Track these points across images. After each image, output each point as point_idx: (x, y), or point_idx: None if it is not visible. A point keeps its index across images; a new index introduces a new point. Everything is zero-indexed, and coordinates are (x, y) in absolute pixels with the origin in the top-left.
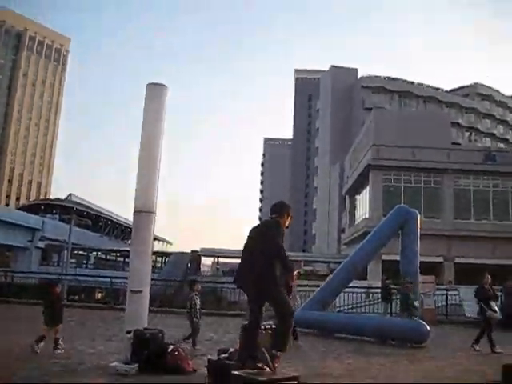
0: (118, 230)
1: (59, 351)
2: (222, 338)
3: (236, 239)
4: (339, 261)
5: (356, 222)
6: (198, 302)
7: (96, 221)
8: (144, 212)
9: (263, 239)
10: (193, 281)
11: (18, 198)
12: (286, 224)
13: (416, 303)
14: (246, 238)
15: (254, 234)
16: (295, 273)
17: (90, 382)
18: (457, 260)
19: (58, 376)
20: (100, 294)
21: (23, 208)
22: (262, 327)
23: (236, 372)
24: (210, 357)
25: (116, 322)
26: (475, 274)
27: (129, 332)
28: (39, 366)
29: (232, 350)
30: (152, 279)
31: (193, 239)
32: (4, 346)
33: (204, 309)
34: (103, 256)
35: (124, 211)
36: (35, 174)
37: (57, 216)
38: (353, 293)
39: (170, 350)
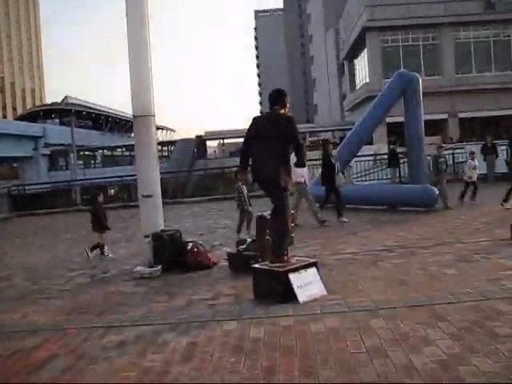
0: (119, 124)
1: (109, 255)
2: None
3: (237, 120)
4: (343, 128)
5: (357, 88)
6: (245, 190)
7: (96, 119)
8: (143, 116)
9: (279, 134)
10: (236, 171)
11: (14, 109)
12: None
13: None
14: (254, 128)
15: (267, 128)
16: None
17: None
18: (461, 115)
19: (86, 286)
20: (113, 191)
21: (21, 117)
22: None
23: (256, 265)
24: (228, 250)
25: (132, 221)
26: (480, 128)
27: (147, 236)
28: (67, 278)
29: (249, 240)
30: (161, 172)
31: (195, 125)
32: (27, 261)
33: (215, 194)
34: (109, 153)
35: (122, 106)
36: (26, 80)
37: (57, 120)
38: (360, 161)
39: (189, 247)
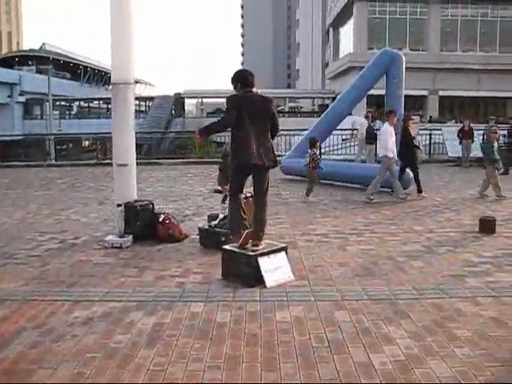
0: (97, 76)
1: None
2: (212, 192)
3: (216, 80)
4: (324, 96)
5: (340, 57)
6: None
7: (74, 70)
8: (122, 84)
9: (266, 117)
10: (312, 138)
11: None
12: None
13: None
14: (246, 108)
15: (262, 110)
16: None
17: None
18: (441, 93)
19: (56, 253)
20: (87, 142)
21: None
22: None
23: (226, 246)
24: (200, 225)
25: (106, 180)
26: (459, 108)
27: (119, 205)
28: (37, 243)
29: (221, 216)
30: (137, 132)
31: (174, 82)
32: None
33: (191, 156)
34: (86, 105)
35: (101, 58)
36: (3, 23)
37: (33, 68)
38: (337, 135)
39: (160, 219)
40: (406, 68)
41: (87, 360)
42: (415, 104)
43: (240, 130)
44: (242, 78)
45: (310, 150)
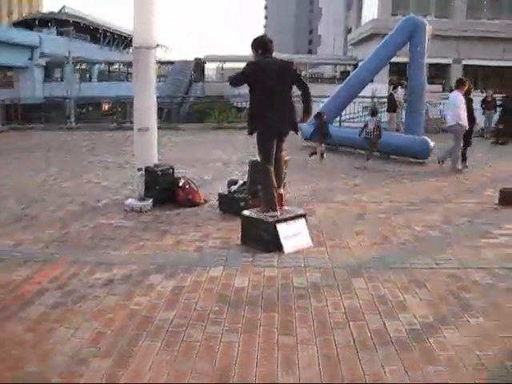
0: (117, 40)
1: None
2: (232, 157)
3: (237, 45)
4: (346, 63)
5: (363, 23)
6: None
7: (94, 32)
8: (144, 48)
9: (287, 81)
10: (374, 109)
11: (11, 13)
12: None
13: None
14: (262, 74)
15: (277, 73)
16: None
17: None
18: (465, 62)
19: (77, 215)
20: (107, 106)
21: (16, 24)
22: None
23: (246, 212)
24: (220, 191)
25: (126, 144)
26: (483, 77)
27: (140, 169)
28: (58, 205)
29: (241, 182)
30: (157, 97)
31: (194, 47)
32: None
33: (211, 121)
34: (106, 68)
35: (121, 23)
36: None
37: (53, 30)
38: (359, 102)
39: (180, 184)
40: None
41: (108, 321)
42: (439, 73)
43: (260, 95)
44: (262, 44)
45: (373, 117)
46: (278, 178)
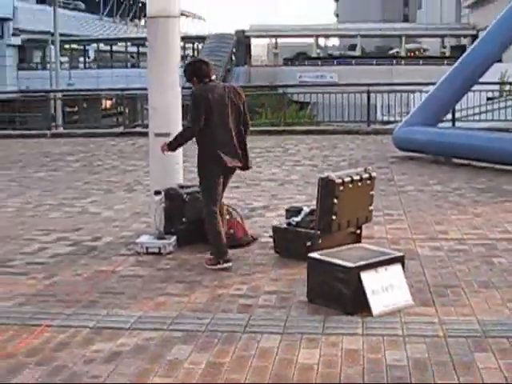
0: (124, 6)
1: None
2: (291, 175)
3: (300, 10)
4: (459, 33)
5: None
6: None
7: None
8: (163, 17)
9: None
10: None
11: None
12: None
13: None
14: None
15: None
16: None
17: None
18: None
19: (68, 263)
20: (109, 102)
21: None
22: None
23: (315, 254)
24: (275, 223)
25: (136, 157)
26: None
27: (158, 193)
28: (41, 244)
29: (307, 210)
30: (183, 88)
31: (232, 16)
32: None
33: (259, 123)
34: (107, 48)
35: None
36: None
37: None
38: (480, 91)
39: None
40: None
41: None
42: None
43: (209, 129)
44: (196, 71)
45: None
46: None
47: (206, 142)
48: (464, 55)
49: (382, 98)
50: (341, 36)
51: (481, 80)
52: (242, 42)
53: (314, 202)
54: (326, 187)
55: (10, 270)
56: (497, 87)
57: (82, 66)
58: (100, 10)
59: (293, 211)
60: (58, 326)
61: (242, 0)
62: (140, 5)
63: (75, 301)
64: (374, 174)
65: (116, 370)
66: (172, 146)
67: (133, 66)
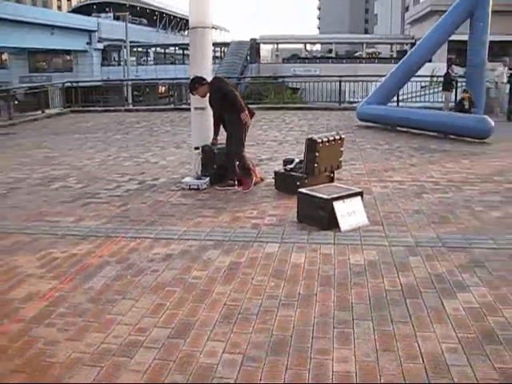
0: (173, 22)
1: None
2: (287, 137)
3: (292, 25)
4: (403, 42)
5: (421, 0)
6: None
7: (150, 16)
8: (200, 27)
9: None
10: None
11: (68, 0)
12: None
13: None
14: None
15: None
16: None
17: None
18: None
19: (137, 195)
20: (163, 88)
21: (75, 10)
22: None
23: (302, 190)
24: (276, 169)
25: (182, 124)
26: None
27: (197, 148)
28: (118, 183)
29: (297, 160)
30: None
31: (250, 28)
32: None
33: (266, 102)
34: (162, 50)
35: (177, 2)
36: None
37: (111, 15)
38: (416, 81)
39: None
40: (493, 11)
41: (166, 293)
42: (501, 51)
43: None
44: (195, 80)
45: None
46: None
47: (242, 106)
48: (405, 57)
49: (350, 85)
50: (321, 43)
51: (417, 74)
52: (254, 46)
53: (303, 155)
54: (311, 145)
55: (98, 200)
56: (428, 79)
57: (144, 63)
58: (157, 24)
59: (288, 161)
60: (130, 237)
61: (255, 17)
62: (185, 21)
63: (141, 220)
64: (343, 136)
65: (169, 266)
66: (245, 114)
67: (180, 63)
